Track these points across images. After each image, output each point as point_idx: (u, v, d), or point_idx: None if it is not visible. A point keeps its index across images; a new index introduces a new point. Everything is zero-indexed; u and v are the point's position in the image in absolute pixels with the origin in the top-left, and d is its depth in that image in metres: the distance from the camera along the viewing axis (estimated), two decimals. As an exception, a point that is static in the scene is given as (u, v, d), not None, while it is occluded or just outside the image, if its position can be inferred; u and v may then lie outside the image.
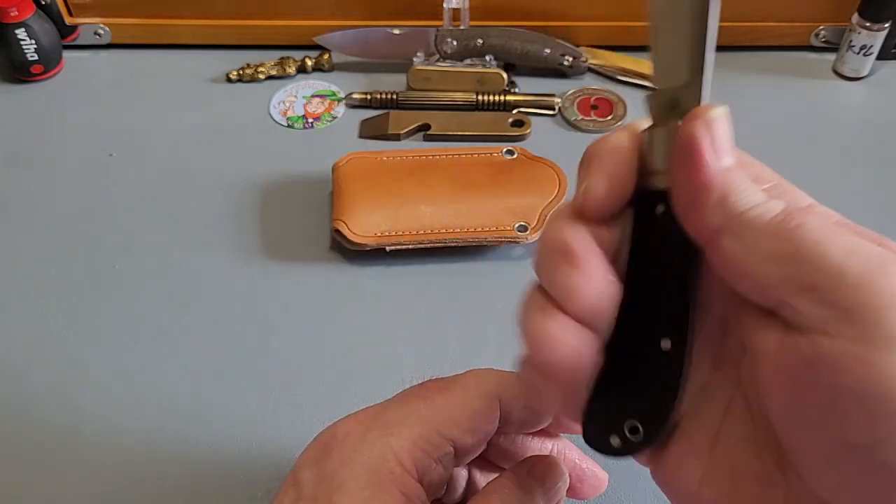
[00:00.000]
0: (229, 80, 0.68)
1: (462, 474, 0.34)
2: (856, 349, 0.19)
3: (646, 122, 0.25)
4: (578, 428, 0.33)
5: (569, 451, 0.34)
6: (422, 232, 0.54)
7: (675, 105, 0.24)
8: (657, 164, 0.24)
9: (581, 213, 0.25)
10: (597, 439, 0.27)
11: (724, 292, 0.24)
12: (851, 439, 0.19)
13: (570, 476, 0.32)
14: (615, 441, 0.26)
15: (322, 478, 0.27)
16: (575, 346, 0.24)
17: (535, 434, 0.33)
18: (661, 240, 0.24)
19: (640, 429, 0.26)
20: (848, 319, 0.19)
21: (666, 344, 0.25)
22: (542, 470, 0.30)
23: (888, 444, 0.19)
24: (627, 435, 0.26)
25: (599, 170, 0.24)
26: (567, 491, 0.32)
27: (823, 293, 0.20)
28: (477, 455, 0.31)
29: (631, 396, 0.26)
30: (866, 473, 0.20)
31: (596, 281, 0.24)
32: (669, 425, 0.26)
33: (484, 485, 0.31)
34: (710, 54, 0.23)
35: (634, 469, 0.43)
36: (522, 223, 0.54)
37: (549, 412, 0.31)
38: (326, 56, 0.69)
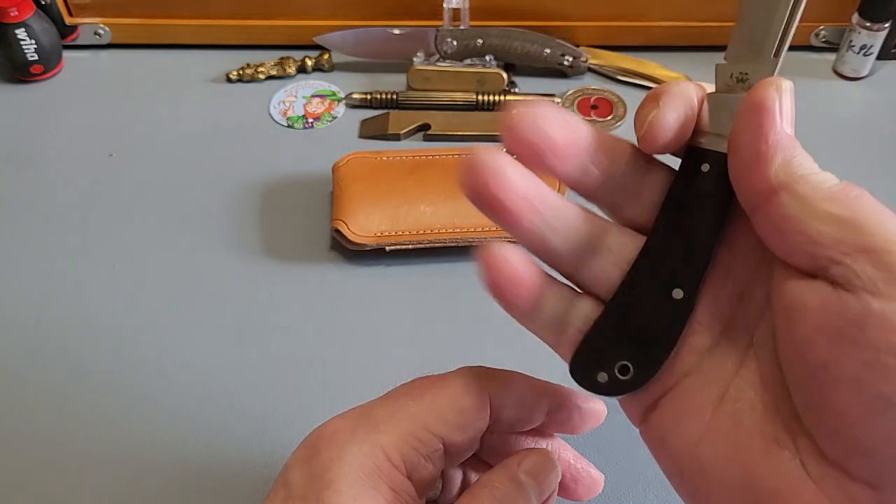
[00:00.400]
0: (229, 80, 0.68)
1: (457, 475, 0.33)
2: None
3: (710, 87, 0.27)
4: (573, 427, 0.33)
5: (563, 450, 0.34)
6: (422, 232, 0.54)
7: (745, 79, 0.26)
8: (713, 127, 0.26)
9: (640, 140, 0.26)
10: (584, 373, 0.27)
11: (751, 258, 0.25)
12: (889, 393, 0.20)
13: (564, 476, 0.32)
14: (602, 377, 0.27)
15: (311, 477, 0.27)
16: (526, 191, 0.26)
17: (528, 433, 0.33)
18: (700, 196, 0.26)
19: (631, 370, 0.27)
20: None
21: (678, 294, 0.26)
22: (533, 463, 0.30)
23: None
24: (616, 374, 0.27)
25: (672, 106, 0.25)
26: (561, 491, 0.32)
27: (880, 255, 0.21)
28: (470, 455, 0.31)
29: (630, 338, 0.27)
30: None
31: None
32: (658, 373, 0.27)
33: None
34: (789, 38, 0.25)
35: (633, 470, 0.44)
36: (522, 223, 0.54)
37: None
38: (326, 56, 0.69)
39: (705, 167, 0.26)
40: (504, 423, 0.31)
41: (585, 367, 0.27)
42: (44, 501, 0.44)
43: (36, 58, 0.67)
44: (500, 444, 0.33)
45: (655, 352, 0.26)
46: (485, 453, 0.33)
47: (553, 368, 0.31)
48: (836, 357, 0.21)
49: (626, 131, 0.64)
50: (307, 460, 0.28)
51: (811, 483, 0.22)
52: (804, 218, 0.22)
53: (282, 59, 0.69)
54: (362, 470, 0.27)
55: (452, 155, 0.59)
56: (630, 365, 0.27)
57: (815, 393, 0.22)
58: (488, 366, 0.32)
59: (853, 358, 0.21)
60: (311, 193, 0.59)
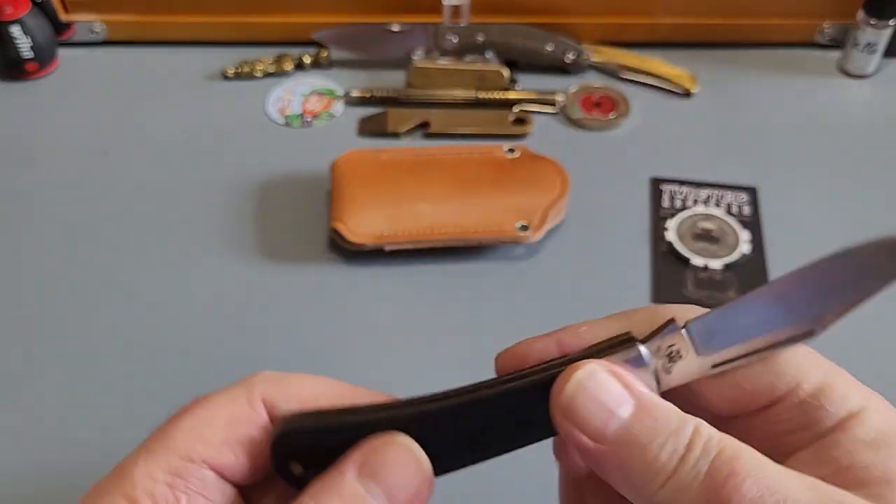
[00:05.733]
0: (226, 78, 0.68)
1: None
2: None
3: None
4: None
5: None
6: (422, 232, 0.53)
7: None
8: None
9: None
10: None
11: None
12: None
13: None
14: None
15: None
16: None
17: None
18: None
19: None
20: None
21: None
22: (379, 462, 0.23)
23: None
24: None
25: None
26: None
27: None
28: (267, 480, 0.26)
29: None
30: None
31: None
32: None
33: None
34: None
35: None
36: (524, 223, 0.53)
37: None
38: (325, 53, 0.68)
39: None
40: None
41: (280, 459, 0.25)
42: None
43: (31, 55, 0.66)
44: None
45: None
46: None
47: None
48: None
49: (628, 129, 0.64)
50: None
51: None
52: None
53: (279, 55, 0.68)
54: None
55: (453, 153, 0.58)
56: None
57: None
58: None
59: None
60: (309, 193, 0.59)
